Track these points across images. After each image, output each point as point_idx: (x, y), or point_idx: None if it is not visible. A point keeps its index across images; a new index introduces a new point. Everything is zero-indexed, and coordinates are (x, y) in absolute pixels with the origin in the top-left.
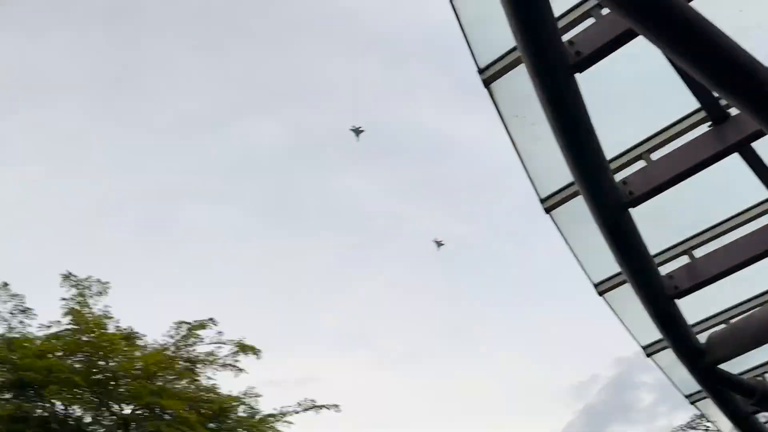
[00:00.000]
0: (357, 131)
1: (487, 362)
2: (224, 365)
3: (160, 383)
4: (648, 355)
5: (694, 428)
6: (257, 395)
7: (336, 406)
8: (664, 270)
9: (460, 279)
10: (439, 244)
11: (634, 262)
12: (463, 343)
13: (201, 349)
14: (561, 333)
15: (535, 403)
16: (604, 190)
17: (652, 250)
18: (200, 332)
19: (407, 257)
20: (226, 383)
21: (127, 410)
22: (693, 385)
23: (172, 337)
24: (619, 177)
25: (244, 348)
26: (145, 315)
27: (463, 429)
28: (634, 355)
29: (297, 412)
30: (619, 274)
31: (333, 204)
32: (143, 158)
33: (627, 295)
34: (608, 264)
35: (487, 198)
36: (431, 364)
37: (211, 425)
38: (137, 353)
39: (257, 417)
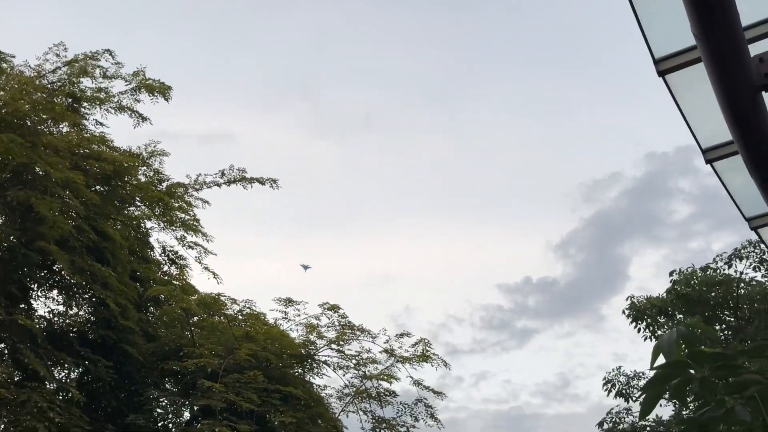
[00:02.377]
0: None
1: (478, 139)
2: (120, 108)
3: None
4: (708, 161)
5: (741, 258)
6: (164, 153)
7: (274, 180)
8: (753, 49)
9: (465, 20)
10: None
11: (717, 31)
12: (446, 107)
13: (90, 84)
14: (579, 113)
15: (532, 201)
16: None
17: (744, 20)
18: (92, 63)
19: None
20: (122, 135)
21: None
22: (759, 206)
23: (51, 65)
24: None
25: (149, 87)
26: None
27: (424, 226)
28: (674, 153)
29: (218, 185)
30: (691, 49)
31: None
32: None
33: (696, 77)
34: (678, 35)
35: None
36: (397, 136)
37: (101, 188)
38: None
39: (164, 185)
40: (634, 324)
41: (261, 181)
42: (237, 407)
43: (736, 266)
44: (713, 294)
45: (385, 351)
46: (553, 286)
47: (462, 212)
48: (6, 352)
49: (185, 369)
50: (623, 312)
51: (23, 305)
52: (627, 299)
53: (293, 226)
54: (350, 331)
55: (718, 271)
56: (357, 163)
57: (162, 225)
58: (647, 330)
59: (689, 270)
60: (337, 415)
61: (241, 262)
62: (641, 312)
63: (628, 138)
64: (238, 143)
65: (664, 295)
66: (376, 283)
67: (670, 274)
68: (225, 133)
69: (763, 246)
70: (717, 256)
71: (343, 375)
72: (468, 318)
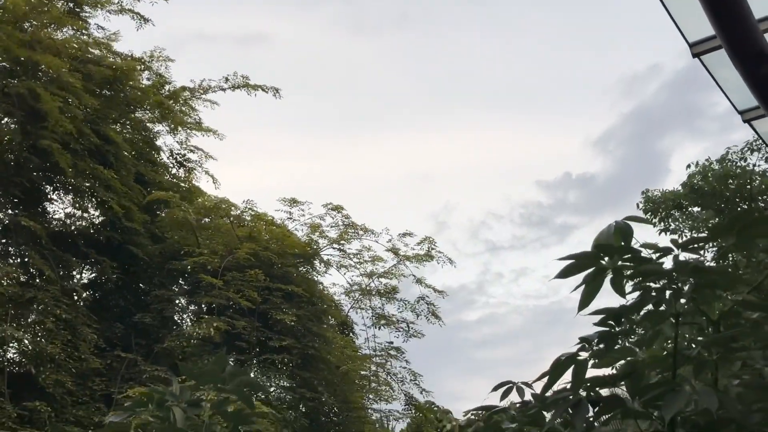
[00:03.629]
0: None
1: (516, 34)
2: (122, 10)
3: (33, 28)
4: (695, 55)
5: (754, 150)
6: (168, 59)
7: (276, 90)
8: None
9: None
10: None
11: None
12: (482, 2)
13: None
14: (619, 3)
15: (571, 97)
16: None
17: None
18: None
19: None
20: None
21: None
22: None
23: None
24: None
25: None
26: None
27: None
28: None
29: (223, 89)
30: None
31: None
32: None
33: None
34: None
35: None
36: (433, 33)
37: (103, 92)
38: None
39: (167, 89)
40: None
41: (264, 89)
42: (237, 305)
43: (749, 159)
44: (729, 187)
45: (389, 250)
46: (592, 182)
47: (499, 109)
48: (12, 253)
49: (188, 269)
50: (637, 206)
51: (33, 209)
52: (642, 193)
53: (330, 127)
54: (353, 230)
55: (734, 163)
56: (393, 62)
57: (168, 128)
58: (661, 224)
59: (707, 163)
60: (346, 313)
61: (281, 165)
62: (656, 206)
63: (668, 29)
64: (272, 44)
65: (680, 188)
66: (414, 183)
67: (687, 166)
68: (260, 35)
69: None
70: (730, 148)
71: (344, 274)
72: (507, 215)
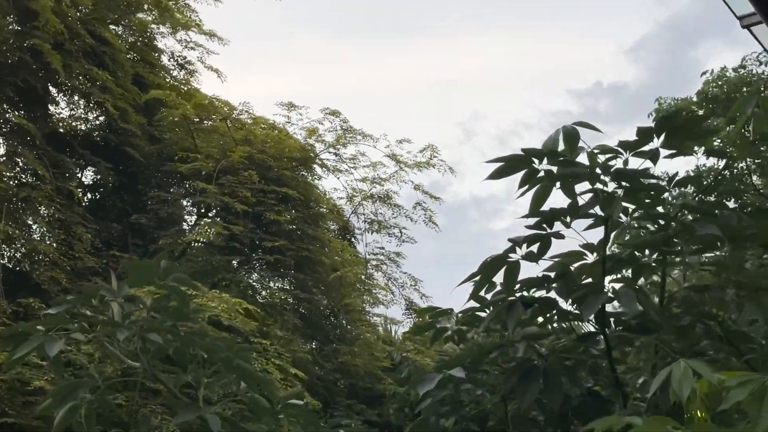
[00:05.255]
0: None
1: None
2: None
3: None
4: None
5: None
6: None
7: None
8: None
9: None
10: None
11: None
12: None
13: None
14: None
15: (603, 3)
16: None
17: None
18: None
19: None
20: None
21: None
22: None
23: None
24: None
25: None
26: None
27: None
28: None
29: None
30: None
31: None
32: None
33: None
34: None
35: None
36: None
37: None
38: None
39: None
40: None
41: None
42: (233, 208)
43: (764, 68)
44: (743, 95)
45: (388, 156)
46: (623, 91)
47: (530, 15)
48: (5, 153)
49: (182, 172)
50: (648, 116)
51: (29, 110)
52: (655, 101)
53: (355, 33)
54: (351, 135)
55: (750, 71)
56: None
57: (168, 30)
58: None
59: (722, 71)
60: (347, 218)
61: (297, 71)
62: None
63: None
64: None
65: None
66: (441, 91)
67: (702, 74)
68: None
69: None
70: (747, 55)
71: (339, 178)
72: (537, 124)
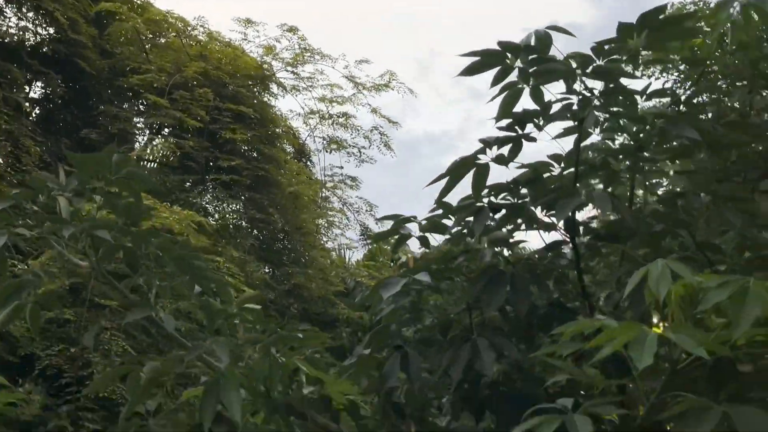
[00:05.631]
0: None
1: None
2: None
3: None
4: None
5: None
6: None
7: None
8: None
9: None
10: None
11: None
12: None
13: None
14: None
15: None
16: None
17: None
18: None
19: None
20: None
21: None
22: None
23: None
24: None
25: None
26: None
27: None
28: None
29: None
30: None
31: None
32: None
33: None
34: None
35: None
36: None
37: None
38: None
39: None
40: None
41: None
42: (187, 125)
43: None
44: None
45: (346, 77)
46: (579, 32)
47: None
48: None
49: (134, 87)
50: None
51: None
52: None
53: None
54: (309, 54)
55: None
56: None
57: None
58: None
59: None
60: (303, 140)
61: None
62: None
63: None
64: None
65: None
66: (398, 25)
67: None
68: None
69: None
70: None
71: (296, 96)
72: None
